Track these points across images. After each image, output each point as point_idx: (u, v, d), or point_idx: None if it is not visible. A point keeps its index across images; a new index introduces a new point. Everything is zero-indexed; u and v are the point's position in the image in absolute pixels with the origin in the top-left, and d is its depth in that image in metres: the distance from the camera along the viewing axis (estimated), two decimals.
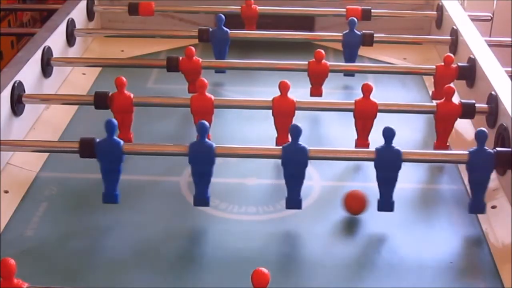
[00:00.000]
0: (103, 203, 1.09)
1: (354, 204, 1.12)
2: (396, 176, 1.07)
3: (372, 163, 1.08)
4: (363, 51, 1.58)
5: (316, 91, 1.42)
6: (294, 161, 1.06)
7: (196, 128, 1.07)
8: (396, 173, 1.07)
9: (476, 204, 1.09)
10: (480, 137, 1.07)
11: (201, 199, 1.09)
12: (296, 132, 1.06)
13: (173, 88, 1.48)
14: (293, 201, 1.09)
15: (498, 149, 1.09)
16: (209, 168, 1.07)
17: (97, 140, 1.08)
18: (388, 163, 1.07)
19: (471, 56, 1.43)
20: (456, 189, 1.21)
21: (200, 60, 1.41)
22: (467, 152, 1.07)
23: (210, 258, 1.03)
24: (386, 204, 1.09)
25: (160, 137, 1.34)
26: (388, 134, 1.07)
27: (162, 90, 1.54)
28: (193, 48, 1.41)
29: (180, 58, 1.41)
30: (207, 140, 1.07)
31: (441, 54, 1.65)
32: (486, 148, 1.07)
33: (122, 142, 1.08)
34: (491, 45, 1.50)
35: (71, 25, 1.63)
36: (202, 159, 1.06)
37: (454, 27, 1.60)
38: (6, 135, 1.22)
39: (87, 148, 1.08)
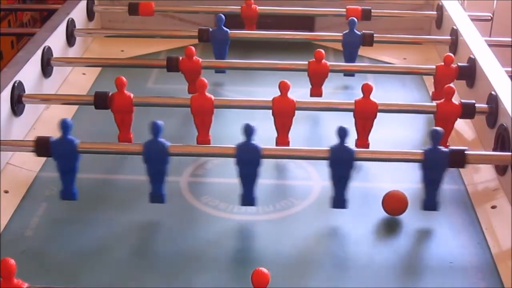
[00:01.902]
0: (61, 199, 1.10)
1: (396, 205, 1.11)
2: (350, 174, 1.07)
3: (373, 163, 1.08)
4: (363, 51, 1.58)
5: (316, 91, 1.42)
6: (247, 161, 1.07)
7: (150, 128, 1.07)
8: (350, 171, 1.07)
9: (430, 202, 1.09)
10: (435, 135, 1.07)
11: (156, 196, 1.09)
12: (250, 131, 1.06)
13: (173, 88, 1.48)
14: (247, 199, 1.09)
15: (452, 148, 1.09)
16: (164, 167, 1.07)
17: (52, 139, 1.08)
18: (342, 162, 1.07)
19: (471, 56, 1.43)
20: (456, 189, 1.21)
21: (200, 60, 1.41)
22: (422, 151, 1.07)
23: (210, 258, 1.03)
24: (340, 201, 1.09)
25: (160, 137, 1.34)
26: (341, 133, 1.07)
27: (162, 90, 1.54)
28: (193, 48, 1.41)
29: (180, 58, 1.41)
30: (160, 139, 1.07)
31: (441, 54, 1.65)
32: (440, 147, 1.07)
33: (76, 141, 1.08)
34: (491, 45, 1.50)
35: (71, 25, 1.63)
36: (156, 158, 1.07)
37: (454, 27, 1.60)
38: (6, 135, 1.22)
39: (43, 147, 1.09)
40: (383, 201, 1.12)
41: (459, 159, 1.07)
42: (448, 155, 1.06)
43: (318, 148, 1.10)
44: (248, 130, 1.06)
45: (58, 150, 1.08)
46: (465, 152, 1.08)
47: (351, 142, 1.24)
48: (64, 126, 1.08)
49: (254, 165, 1.07)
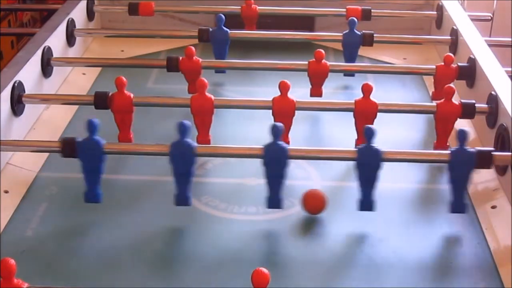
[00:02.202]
0: (85, 202, 1.10)
1: (313, 203, 1.12)
2: (377, 175, 1.07)
3: None
4: (363, 51, 1.58)
5: (316, 91, 1.42)
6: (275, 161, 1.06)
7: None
8: (377, 172, 1.07)
9: (458, 204, 1.09)
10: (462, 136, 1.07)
11: (182, 199, 1.09)
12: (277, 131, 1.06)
13: (173, 88, 1.48)
14: (274, 201, 1.09)
15: (479, 148, 1.08)
16: (190, 168, 1.07)
17: (78, 139, 1.08)
18: (369, 163, 1.07)
19: (471, 56, 1.43)
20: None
21: (200, 60, 1.41)
22: (449, 152, 1.07)
23: (210, 258, 1.03)
24: (367, 203, 1.09)
25: (160, 137, 1.34)
26: (370, 133, 1.06)
27: (162, 90, 1.54)
28: (193, 48, 1.41)
29: (180, 58, 1.41)
30: (187, 139, 1.06)
31: (441, 54, 1.65)
32: (467, 147, 1.07)
33: (103, 141, 1.08)
34: (491, 45, 1.50)
35: (71, 25, 1.63)
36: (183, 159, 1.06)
37: (454, 27, 1.60)
38: (6, 135, 1.22)
39: (68, 147, 1.08)
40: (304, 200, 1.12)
41: (486, 160, 1.07)
42: (474, 155, 1.06)
43: (346, 149, 1.11)
44: (275, 131, 1.06)
45: (84, 151, 1.08)
46: (492, 153, 1.07)
47: (351, 142, 1.25)
48: (91, 126, 1.07)
49: (281, 165, 1.06)
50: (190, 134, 1.07)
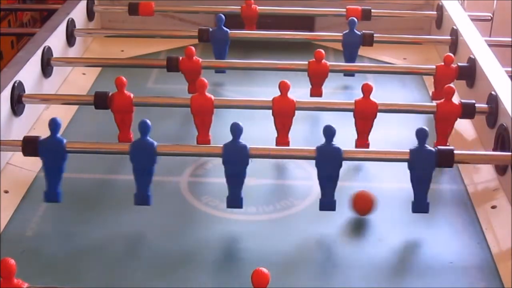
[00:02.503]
0: (45, 201, 1.10)
1: (363, 205, 1.11)
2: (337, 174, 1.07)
3: (373, 162, 1.08)
4: (363, 51, 1.58)
5: (316, 91, 1.42)
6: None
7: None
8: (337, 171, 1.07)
9: (420, 204, 1.08)
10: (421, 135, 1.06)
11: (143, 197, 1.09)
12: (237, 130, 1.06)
13: (173, 88, 1.48)
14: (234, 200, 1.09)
15: (439, 147, 1.08)
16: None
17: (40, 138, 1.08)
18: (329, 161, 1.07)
19: (471, 56, 1.43)
20: (456, 189, 1.21)
21: (200, 60, 1.41)
22: (408, 150, 1.07)
23: (210, 258, 1.03)
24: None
25: (160, 137, 1.33)
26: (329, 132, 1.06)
27: (162, 90, 1.54)
28: (193, 48, 1.41)
29: (180, 58, 1.41)
30: (148, 138, 1.07)
31: (441, 54, 1.65)
32: (427, 146, 1.06)
33: (64, 140, 1.08)
34: (491, 45, 1.50)
35: (71, 25, 1.63)
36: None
37: (454, 27, 1.60)
38: (6, 135, 1.22)
39: (30, 146, 1.09)
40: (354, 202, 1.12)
41: (447, 159, 1.07)
42: (435, 154, 1.06)
43: (306, 148, 1.10)
44: (235, 130, 1.06)
45: (46, 150, 1.08)
46: (454, 151, 1.07)
47: (351, 142, 1.25)
48: (53, 125, 1.07)
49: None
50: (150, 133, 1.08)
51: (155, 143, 1.07)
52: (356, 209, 1.11)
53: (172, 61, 1.41)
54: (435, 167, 1.07)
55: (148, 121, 1.07)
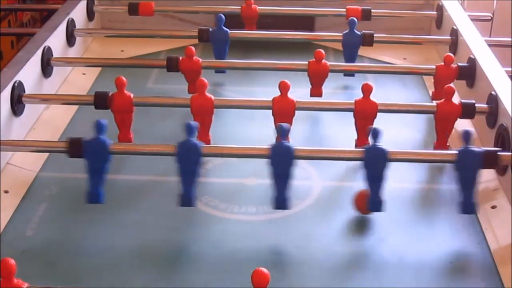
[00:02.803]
0: (88, 203, 1.09)
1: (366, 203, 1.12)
2: (384, 175, 1.06)
3: None
4: (363, 51, 1.58)
5: (316, 91, 1.42)
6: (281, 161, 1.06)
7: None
8: (384, 172, 1.06)
9: (466, 204, 1.08)
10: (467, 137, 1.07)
11: (187, 198, 1.08)
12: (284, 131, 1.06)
13: (173, 88, 1.48)
14: (281, 201, 1.08)
15: (486, 148, 1.08)
16: (196, 168, 1.07)
17: (85, 139, 1.08)
18: (376, 162, 1.06)
19: (471, 56, 1.43)
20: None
21: (200, 60, 1.41)
22: (456, 151, 1.07)
23: (210, 258, 1.03)
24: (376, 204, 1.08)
25: (160, 137, 1.34)
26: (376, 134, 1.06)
27: (162, 90, 1.54)
28: (193, 48, 1.41)
29: (180, 58, 1.41)
30: (193, 139, 1.07)
31: (441, 54, 1.65)
32: (474, 147, 1.07)
33: (109, 141, 1.08)
34: (491, 45, 1.50)
35: (71, 25, 1.63)
36: (189, 158, 1.06)
37: (454, 27, 1.60)
38: (6, 135, 1.22)
39: (75, 147, 1.08)
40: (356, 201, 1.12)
41: (492, 160, 1.07)
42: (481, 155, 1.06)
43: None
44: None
45: (90, 151, 1.08)
46: (498, 153, 1.08)
47: (351, 142, 1.25)
48: (98, 126, 1.08)
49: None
50: (196, 134, 1.07)
51: (201, 144, 1.07)
52: (359, 207, 1.11)
53: (172, 61, 1.41)
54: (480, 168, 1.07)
55: (195, 122, 1.07)
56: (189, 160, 1.06)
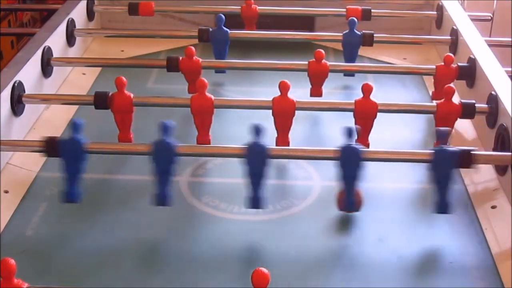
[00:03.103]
0: (64, 202, 1.09)
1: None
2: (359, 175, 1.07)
3: (375, 163, 1.08)
4: (363, 51, 1.58)
5: (316, 91, 1.42)
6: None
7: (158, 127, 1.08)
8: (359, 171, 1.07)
9: (442, 204, 1.08)
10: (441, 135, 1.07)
11: (162, 198, 1.08)
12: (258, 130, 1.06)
13: (173, 88, 1.48)
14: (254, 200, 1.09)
15: (461, 148, 1.08)
16: (171, 167, 1.07)
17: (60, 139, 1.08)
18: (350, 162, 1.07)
19: (471, 56, 1.43)
20: (457, 189, 1.20)
21: (200, 60, 1.41)
22: (431, 151, 1.07)
23: (210, 258, 1.03)
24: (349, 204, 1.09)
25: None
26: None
27: (162, 90, 1.54)
28: (193, 48, 1.41)
29: (180, 58, 1.41)
30: (168, 138, 1.07)
31: (441, 54, 1.65)
32: (448, 146, 1.07)
33: (84, 140, 1.08)
34: (491, 45, 1.50)
35: (71, 25, 1.63)
36: (164, 158, 1.07)
37: (454, 27, 1.60)
38: (6, 135, 1.22)
39: (51, 147, 1.09)
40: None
41: (466, 159, 1.07)
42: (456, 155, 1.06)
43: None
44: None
45: (66, 150, 1.07)
46: (472, 152, 1.07)
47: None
48: (74, 126, 1.07)
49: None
50: (172, 133, 1.08)
51: (176, 144, 1.07)
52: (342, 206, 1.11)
53: (172, 61, 1.41)
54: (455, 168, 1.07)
55: (171, 122, 1.07)
56: (164, 159, 1.07)
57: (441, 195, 1.07)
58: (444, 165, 1.06)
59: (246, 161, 1.06)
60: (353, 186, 1.07)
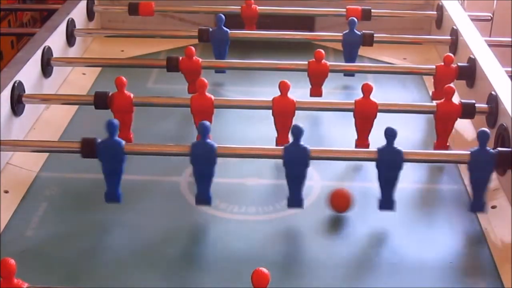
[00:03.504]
0: (106, 202, 1.09)
1: (340, 202, 1.12)
2: (397, 176, 1.07)
3: (372, 163, 1.08)
4: (363, 51, 1.58)
5: (316, 91, 1.42)
6: (295, 162, 1.06)
7: (197, 128, 1.08)
8: (398, 173, 1.07)
9: (477, 203, 1.09)
10: (482, 137, 1.07)
11: (203, 198, 1.09)
12: (298, 132, 1.06)
13: (173, 88, 1.48)
14: (295, 201, 1.08)
15: (500, 149, 1.08)
16: (211, 168, 1.07)
17: (99, 140, 1.08)
18: (390, 163, 1.07)
19: (471, 56, 1.43)
20: (456, 189, 1.21)
21: (200, 60, 1.41)
22: (469, 152, 1.07)
23: (210, 258, 1.03)
24: (387, 203, 1.08)
25: (160, 137, 1.34)
26: (390, 134, 1.07)
27: (162, 90, 1.54)
28: (193, 48, 1.40)
29: (180, 58, 1.41)
30: (209, 140, 1.07)
31: (441, 54, 1.65)
32: (488, 148, 1.07)
33: (123, 142, 1.08)
34: (491, 45, 1.50)
35: (71, 25, 1.63)
36: (204, 160, 1.06)
37: (454, 27, 1.60)
38: (6, 135, 1.22)
39: (88, 148, 1.08)
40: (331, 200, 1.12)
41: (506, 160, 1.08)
42: (495, 156, 1.06)
43: (365, 150, 1.12)
44: (297, 132, 1.06)
45: (104, 152, 1.07)
46: None
47: (351, 142, 1.25)
48: (111, 127, 1.07)
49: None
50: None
51: (216, 145, 1.07)
52: (333, 206, 1.11)
53: (172, 61, 1.41)
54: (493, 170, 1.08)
55: (207, 123, 1.07)
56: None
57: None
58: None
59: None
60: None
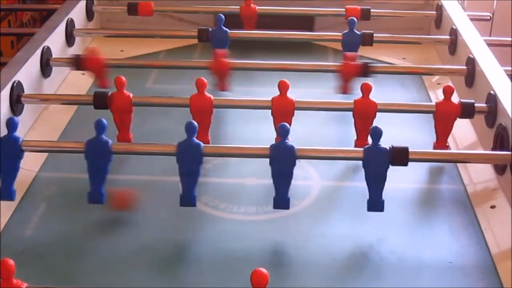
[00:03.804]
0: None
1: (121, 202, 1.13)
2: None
3: None
4: (363, 51, 1.58)
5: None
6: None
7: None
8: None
9: (374, 202, 1.07)
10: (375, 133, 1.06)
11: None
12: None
13: (172, 88, 1.48)
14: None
15: (394, 145, 1.07)
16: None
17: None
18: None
19: (470, 55, 1.43)
20: (456, 189, 1.21)
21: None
22: (363, 149, 1.07)
23: (210, 258, 1.03)
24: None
25: (159, 137, 1.34)
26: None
27: (162, 90, 1.54)
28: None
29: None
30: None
31: (440, 53, 1.65)
32: (381, 144, 1.06)
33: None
34: (491, 45, 1.50)
35: (70, 25, 1.63)
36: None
37: (454, 27, 1.60)
38: None
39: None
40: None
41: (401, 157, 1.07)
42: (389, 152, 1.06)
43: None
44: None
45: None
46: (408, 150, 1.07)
47: (350, 142, 1.25)
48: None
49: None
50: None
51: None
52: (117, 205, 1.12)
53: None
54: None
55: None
56: (99, 157, 1.07)
57: (373, 192, 1.07)
58: (377, 162, 1.06)
59: (177, 159, 1.06)
60: (286, 183, 1.06)
